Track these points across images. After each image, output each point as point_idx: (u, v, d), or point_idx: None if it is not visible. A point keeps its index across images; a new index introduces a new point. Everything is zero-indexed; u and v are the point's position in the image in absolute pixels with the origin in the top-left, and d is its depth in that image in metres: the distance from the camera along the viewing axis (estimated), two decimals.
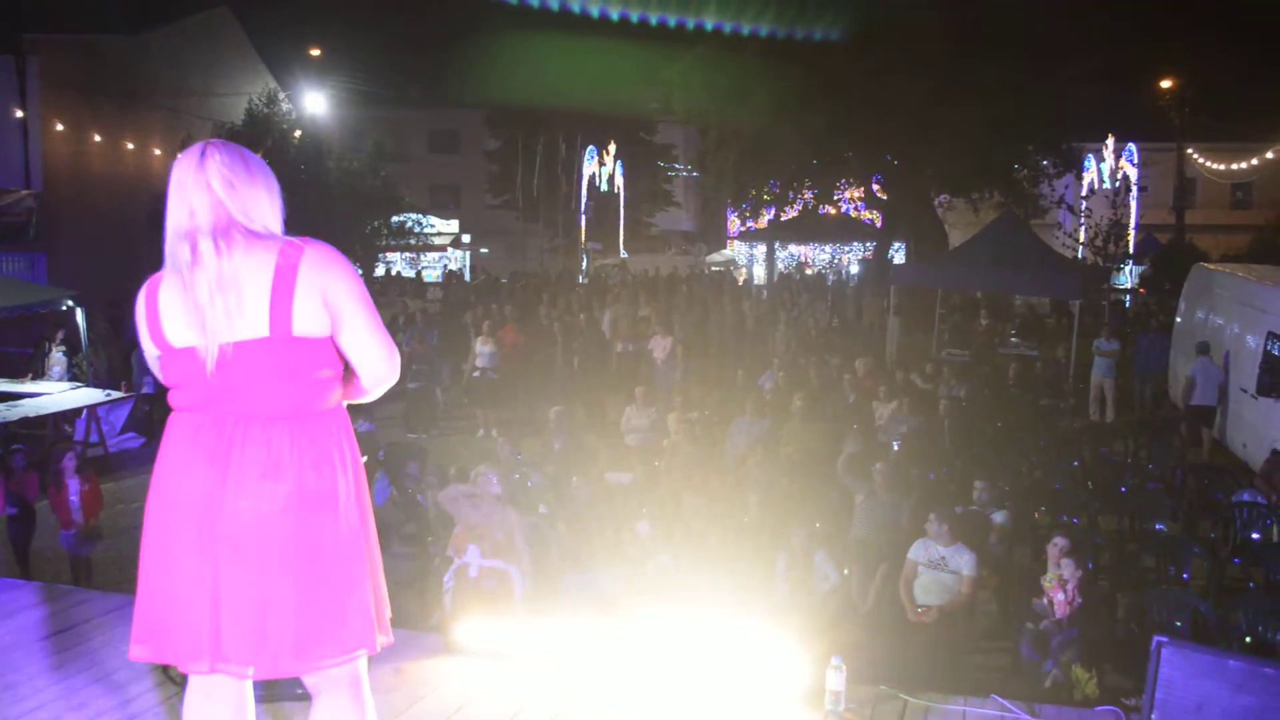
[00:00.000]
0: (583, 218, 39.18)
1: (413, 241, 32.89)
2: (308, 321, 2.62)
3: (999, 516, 8.79)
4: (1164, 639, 3.80)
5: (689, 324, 20.06)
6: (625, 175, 41.61)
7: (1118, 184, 33.58)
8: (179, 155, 2.75)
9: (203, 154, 2.68)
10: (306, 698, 2.95)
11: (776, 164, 25.71)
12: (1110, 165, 35.44)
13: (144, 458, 13.80)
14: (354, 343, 2.71)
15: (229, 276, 2.58)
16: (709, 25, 24.72)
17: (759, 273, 37.15)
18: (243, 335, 2.59)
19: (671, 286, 26.95)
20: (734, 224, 39.41)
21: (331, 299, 2.65)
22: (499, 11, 35.44)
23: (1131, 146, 34.93)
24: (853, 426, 12.49)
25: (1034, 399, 14.90)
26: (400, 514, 9.42)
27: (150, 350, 2.74)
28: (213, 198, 2.64)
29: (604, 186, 40.51)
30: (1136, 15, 27.28)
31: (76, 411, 14.10)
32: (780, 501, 9.24)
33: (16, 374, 16.17)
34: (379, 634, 2.79)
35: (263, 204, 2.72)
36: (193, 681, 2.82)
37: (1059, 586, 7.10)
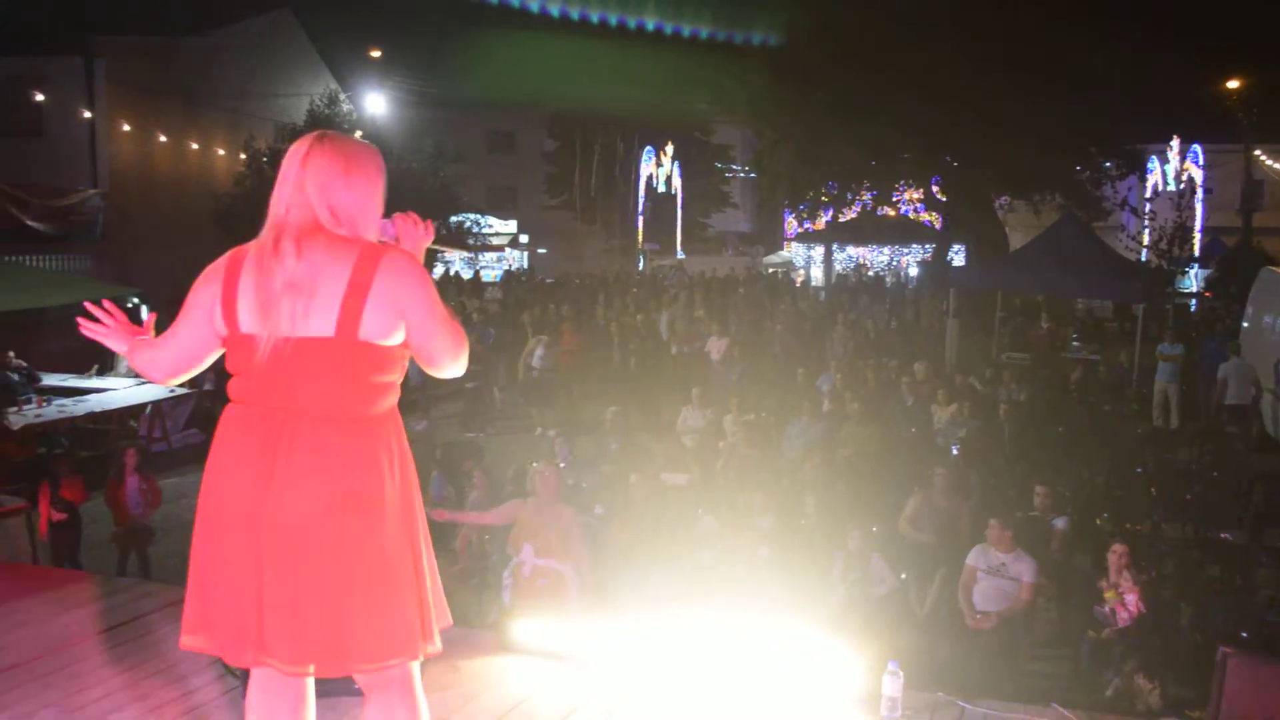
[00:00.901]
0: (640, 219, 39.23)
1: (471, 242, 33.09)
2: (375, 328, 2.63)
3: (1060, 523, 8.68)
4: (1230, 650, 3.73)
5: (745, 325, 20.02)
6: (682, 176, 41.60)
7: (1182, 186, 33.03)
8: (298, 140, 2.79)
9: (308, 151, 2.71)
10: (362, 693, 2.96)
11: (834, 165, 25.60)
12: (1175, 167, 34.90)
13: (205, 454, 13.96)
14: (422, 345, 2.75)
15: (302, 278, 2.59)
16: (764, 29, 24.67)
17: (816, 274, 36.98)
18: (306, 333, 2.60)
19: (728, 288, 26.90)
20: (791, 225, 39.30)
21: (405, 308, 2.66)
22: (558, 14, 35.59)
23: (1197, 148, 34.35)
24: (911, 430, 12.41)
25: (1096, 404, 14.69)
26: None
27: (219, 325, 2.72)
28: (305, 198, 2.68)
29: (661, 187, 40.54)
30: (1202, 13, 26.79)
31: (141, 407, 14.33)
32: (837, 504, 9.18)
33: (84, 369, 16.47)
34: (423, 642, 2.77)
35: (354, 207, 2.72)
36: (255, 674, 2.84)
37: (1120, 605, 6.99)
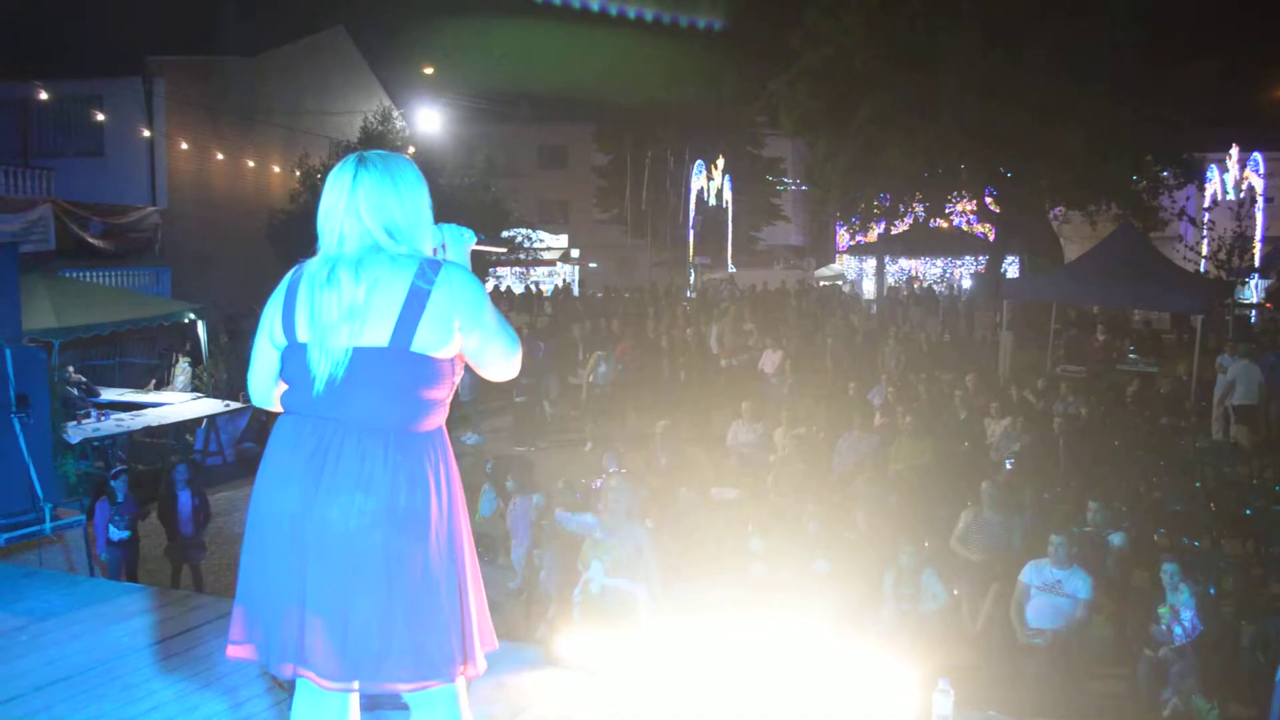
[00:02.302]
0: (691, 232, 39.21)
1: (522, 256, 33.27)
2: (430, 339, 2.64)
3: (1116, 539, 8.54)
4: None
5: (797, 339, 19.95)
6: (733, 189, 41.53)
7: (1242, 195, 32.47)
8: (337, 167, 2.77)
9: (355, 176, 2.70)
10: (408, 707, 2.96)
11: (886, 177, 25.46)
12: (1234, 175, 34.31)
13: None
14: (477, 352, 2.78)
15: (360, 302, 2.61)
16: (814, 40, 24.65)
17: (869, 287, 36.78)
18: (360, 343, 2.61)
19: (779, 301, 26.83)
20: (843, 238, 39.12)
21: (462, 320, 2.68)
22: (608, 29, 35.78)
23: (1257, 156, 33.74)
24: (964, 444, 12.28)
25: (1154, 417, 14.46)
26: (506, 526, 9.51)
27: (278, 339, 2.74)
28: (361, 226, 2.68)
29: (712, 201, 40.48)
30: (1262, 17, 26.34)
31: (197, 421, 14.51)
32: (889, 519, 9.10)
33: (141, 384, 16.73)
34: (464, 665, 2.75)
35: (409, 225, 2.74)
36: (300, 686, 2.83)
37: (1175, 619, 6.86)
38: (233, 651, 2.77)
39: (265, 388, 2.85)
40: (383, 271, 2.63)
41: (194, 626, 5.15)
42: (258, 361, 2.83)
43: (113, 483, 9.51)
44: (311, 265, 2.72)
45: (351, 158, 2.78)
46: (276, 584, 2.65)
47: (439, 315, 2.63)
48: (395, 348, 2.61)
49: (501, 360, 2.84)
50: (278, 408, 2.86)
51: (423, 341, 2.63)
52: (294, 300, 2.70)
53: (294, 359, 2.70)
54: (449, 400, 2.80)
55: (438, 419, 2.77)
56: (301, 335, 2.67)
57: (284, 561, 2.64)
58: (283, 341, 2.73)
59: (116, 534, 9.11)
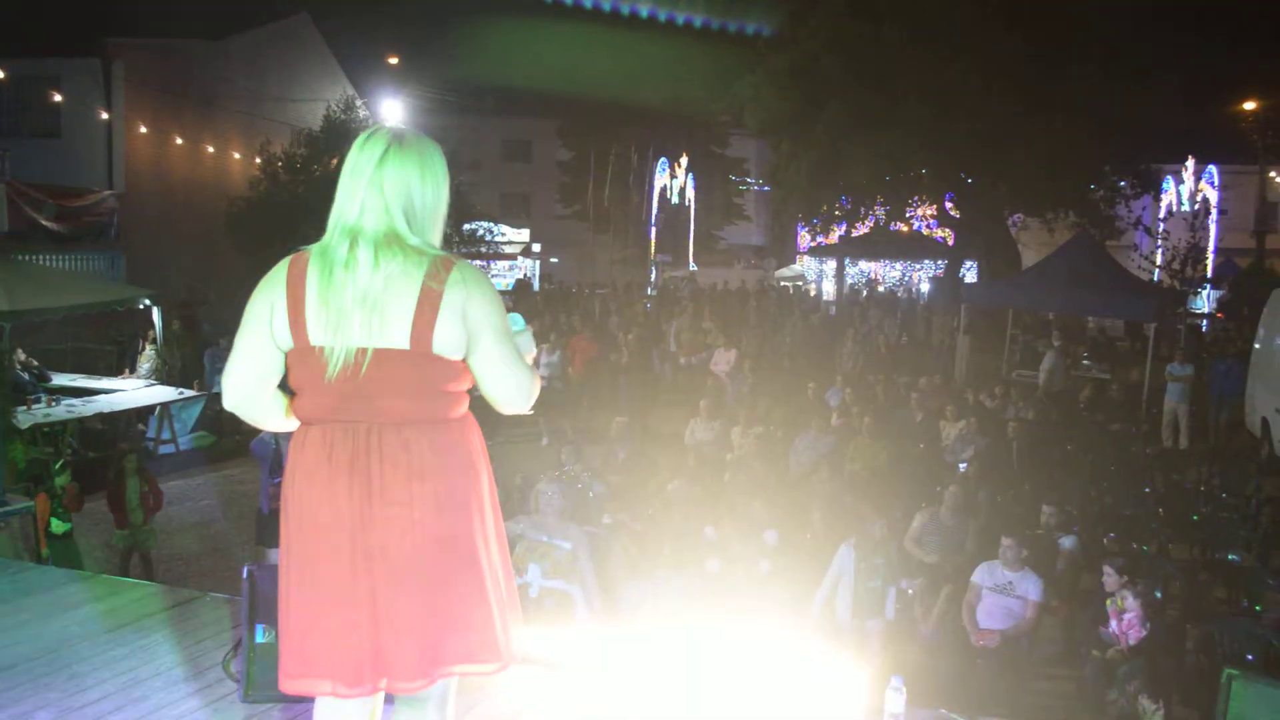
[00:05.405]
0: (653, 230, 39.23)
1: (483, 249, 33.14)
2: (446, 342, 2.54)
3: (1067, 542, 8.64)
4: (1235, 672, 3.70)
5: (755, 338, 20.02)
6: (696, 188, 41.60)
7: (1197, 206, 32.94)
8: (369, 134, 2.66)
9: (387, 149, 2.59)
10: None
11: (849, 180, 25.59)
12: (1190, 187, 34.80)
13: (213, 456, 14.05)
14: (484, 368, 2.64)
15: (376, 292, 2.50)
16: (779, 43, 24.73)
17: (828, 288, 36.98)
18: (382, 344, 2.51)
19: (737, 300, 26.90)
20: (804, 239, 39.28)
21: (469, 324, 2.56)
22: (575, 22, 35.72)
23: (1212, 169, 34.26)
24: (919, 446, 12.37)
25: (1105, 423, 14.64)
26: None
27: (281, 340, 2.58)
28: (383, 202, 2.57)
29: (675, 199, 40.54)
30: (1219, 34, 26.75)
31: (150, 408, 14.35)
32: (843, 518, 9.15)
33: (95, 370, 16.51)
34: (509, 645, 2.70)
35: (427, 215, 2.63)
36: (320, 704, 2.72)
37: (1115, 613, 6.95)
38: (299, 687, 2.59)
39: (247, 389, 2.64)
40: (397, 264, 2.52)
41: (143, 616, 5.10)
42: (245, 360, 2.61)
43: (56, 478, 9.15)
44: (324, 248, 2.58)
45: (387, 130, 2.67)
46: (341, 603, 2.54)
47: (452, 314, 2.53)
48: (416, 351, 2.52)
49: (508, 382, 2.67)
50: (260, 415, 2.70)
51: (440, 344, 2.53)
52: (300, 293, 2.54)
53: (308, 362, 2.56)
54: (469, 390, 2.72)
55: (466, 406, 2.71)
56: (315, 337, 2.53)
57: (347, 577, 2.54)
58: (288, 343, 2.58)
59: (60, 527, 8.82)
